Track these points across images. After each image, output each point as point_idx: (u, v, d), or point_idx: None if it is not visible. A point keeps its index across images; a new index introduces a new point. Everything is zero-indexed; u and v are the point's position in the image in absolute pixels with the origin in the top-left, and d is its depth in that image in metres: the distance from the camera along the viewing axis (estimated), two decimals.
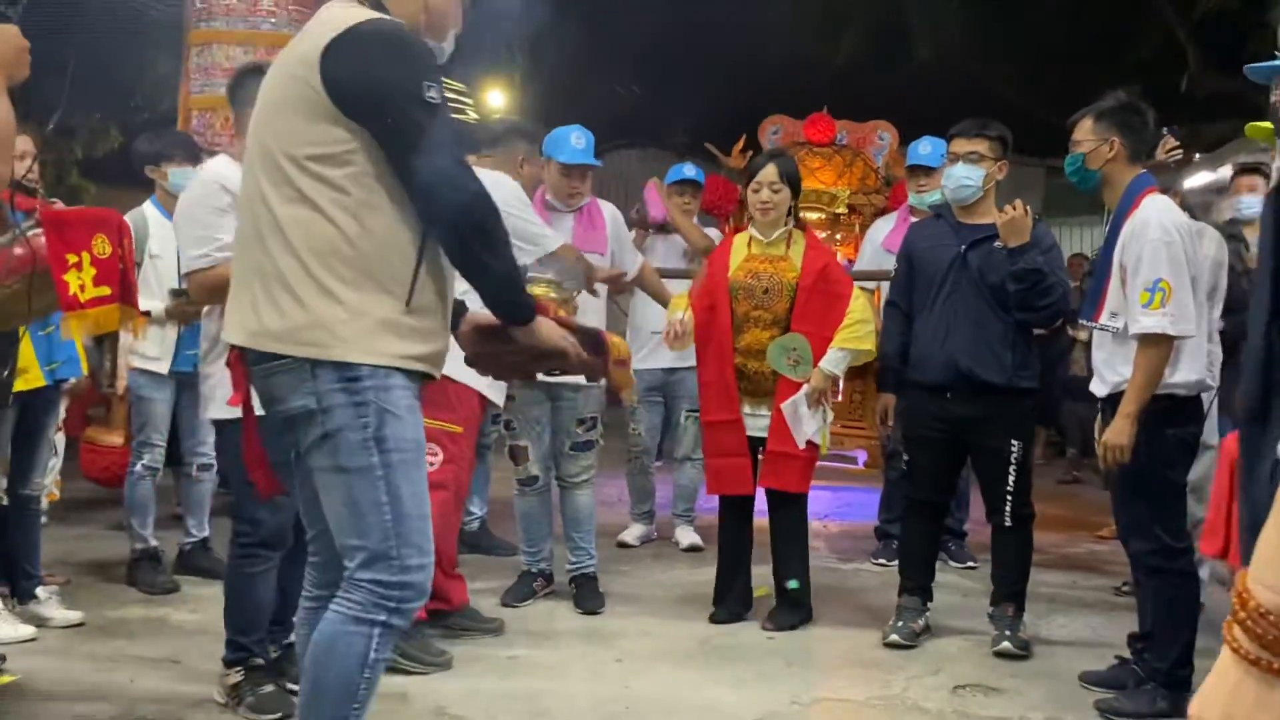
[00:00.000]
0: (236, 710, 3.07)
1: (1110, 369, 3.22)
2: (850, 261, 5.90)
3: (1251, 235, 4.64)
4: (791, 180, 3.93)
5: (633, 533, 5.24)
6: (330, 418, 2.04)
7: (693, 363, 4.13)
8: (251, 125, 2.17)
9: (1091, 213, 11.73)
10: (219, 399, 3.02)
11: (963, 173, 3.71)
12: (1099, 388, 3.28)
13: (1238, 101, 12.16)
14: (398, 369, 2.07)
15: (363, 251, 2.03)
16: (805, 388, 3.83)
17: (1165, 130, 5.15)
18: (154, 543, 4.45)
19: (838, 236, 6.65)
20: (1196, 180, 9.56)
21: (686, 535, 5.17)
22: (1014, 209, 3.62)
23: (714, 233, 5.43)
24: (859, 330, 3.86)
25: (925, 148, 4.88)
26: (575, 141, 4.20)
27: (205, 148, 6.22)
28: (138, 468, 4.41)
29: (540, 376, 2.61)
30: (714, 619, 4.02)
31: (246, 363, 2.16)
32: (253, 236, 2.11)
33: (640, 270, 4.46)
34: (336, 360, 2.03)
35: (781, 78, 11.80)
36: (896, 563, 4.57)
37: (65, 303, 3.17)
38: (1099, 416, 3.31)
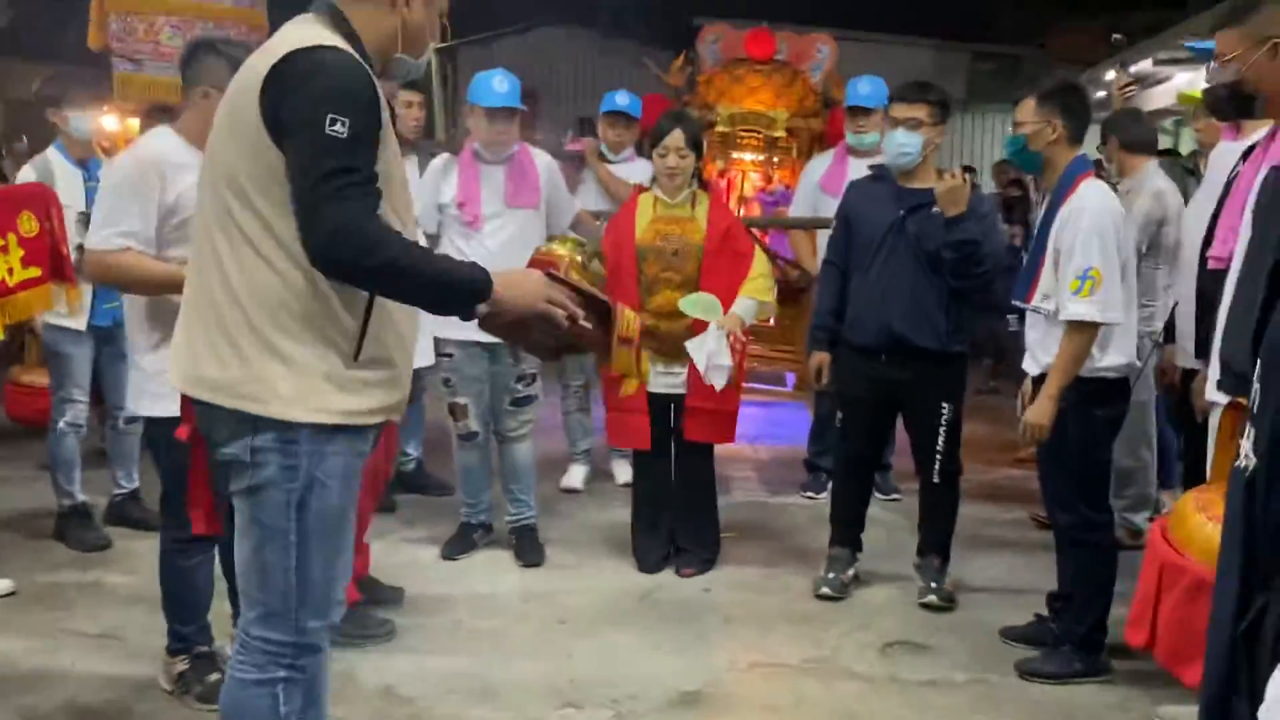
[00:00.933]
0: (183, 699, 3.09)
1: (1043, 349, 3.30)
2: (788, 188, 5.87)
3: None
4: (696, 144, 4.01)
5: (576, 476, 5.25)
6: (259, 473, 2.02)
7: None
8: (209, 146, 2.07)
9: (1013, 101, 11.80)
10: (149, 393, 2.94)
11: (902, 139, 3.69)
12: (1031, 366, 3.36)
13: None
14: (341, 426, 2.02)
15: (308, 306, 1.96)
16: (712, 326, 3.87)
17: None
18: (82, 498, 4.38)
19: (775, 160, 6.57)
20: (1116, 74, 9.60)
21: (623, 472, 5.22)
22: (952, 177, 3.63)
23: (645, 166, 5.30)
24: (761, 284, 4.00)
25: (865, 87, 4.81)
26: (498, 85, 4.06)
27: (125, 55, 5.82)
28: (60, 424, 4.29)
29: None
30: (642, 568, 4.14)
31: (190, 402, 2.11)
32: (200, 283, 2.03)
33: (576, 218, 4.39)
34: (275, 418, 1.98)
35: None
36: (825, 495, 4.74)
37: None
38: (1030, 390, 3.40)
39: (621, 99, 5.18)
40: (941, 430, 3.81)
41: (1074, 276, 3.14)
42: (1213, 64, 2.75)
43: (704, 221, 3.98)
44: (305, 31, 2.00)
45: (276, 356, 1.96)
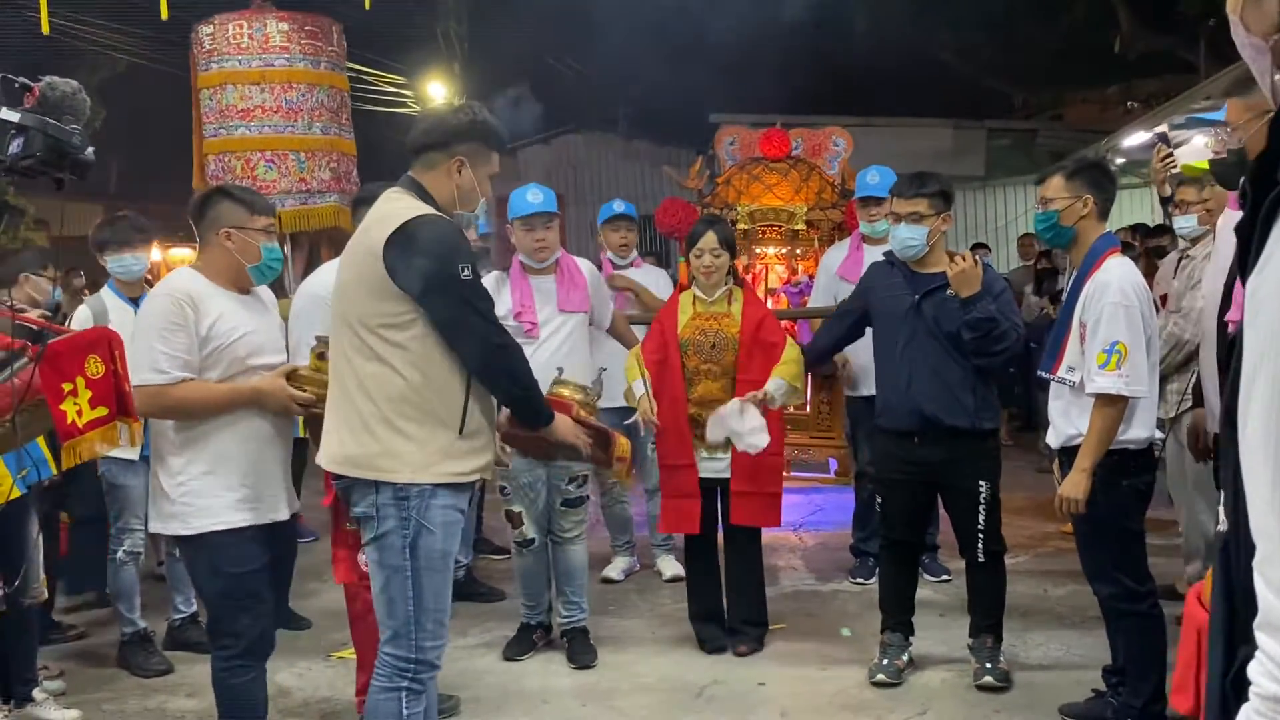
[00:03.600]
0: None
1: (1066, 419, 3.34)
2: (812, 278, 5.99)
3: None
4: (729, 244, 4.21)
5: (616, 567, 5.33)
6: (382, 524, 2.66)
7: None
8: (335, 299, 2.79)
9: (1032, 172, 11.93)
10: (198, 509, 3.02)
11: (907, 233, 3.80)
12: (1053, 438, 3.41)
13: (1169, 59, 12.40)
14: (446, 485, 2.65)
15: (424, 396, 2.64)
16: (733, 402, 4.00)
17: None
18: (143, 624, 4.47)
19: (798, 252, 6.71)
20: (1134, 139, 9.68)
21: (669, 566, 5.27)
22: (963, 259, 3.72)
23: (663, 275, 5.53)
24: (793, 369, 4.12)
25: (874, 177, 4.96)
26: (531, 197, 4.23)
27: None
28: (119, 554, 4.41)
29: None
30: (706, 649, 4.28)
31: (332, 477, 2.79)
32: (342, 391, 2.72)
33: (613, 320, 4.55)
34: (395, 482, 2.63)
35: (725, 54, 11.82)
36: (874, 580, 4.73)
37: (64, 432, 3.14)
38: (1057, 466, 3.43)
39: (618, 205, 5.39)
40: (981, 509, 3.82)
41: (1100, 350, 3.20)
42: (1216, 131, 2.82)
43: (740, 316, 4.16)
44: (406, 204, 2.70)
45: (403, 436, 2.63)
